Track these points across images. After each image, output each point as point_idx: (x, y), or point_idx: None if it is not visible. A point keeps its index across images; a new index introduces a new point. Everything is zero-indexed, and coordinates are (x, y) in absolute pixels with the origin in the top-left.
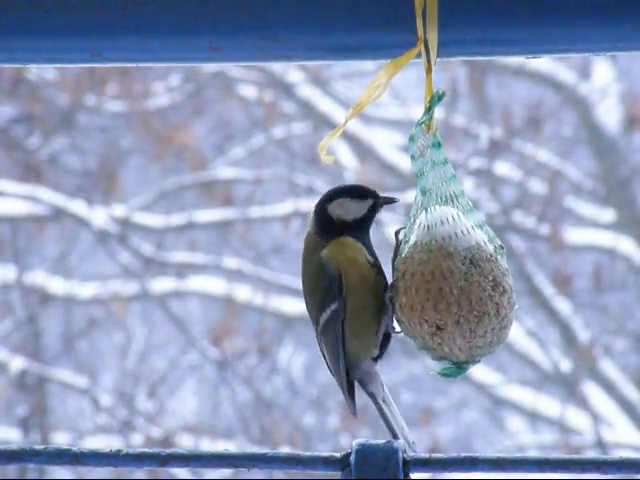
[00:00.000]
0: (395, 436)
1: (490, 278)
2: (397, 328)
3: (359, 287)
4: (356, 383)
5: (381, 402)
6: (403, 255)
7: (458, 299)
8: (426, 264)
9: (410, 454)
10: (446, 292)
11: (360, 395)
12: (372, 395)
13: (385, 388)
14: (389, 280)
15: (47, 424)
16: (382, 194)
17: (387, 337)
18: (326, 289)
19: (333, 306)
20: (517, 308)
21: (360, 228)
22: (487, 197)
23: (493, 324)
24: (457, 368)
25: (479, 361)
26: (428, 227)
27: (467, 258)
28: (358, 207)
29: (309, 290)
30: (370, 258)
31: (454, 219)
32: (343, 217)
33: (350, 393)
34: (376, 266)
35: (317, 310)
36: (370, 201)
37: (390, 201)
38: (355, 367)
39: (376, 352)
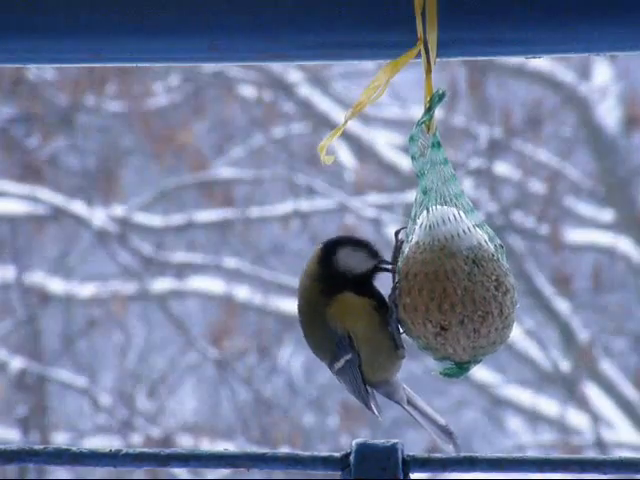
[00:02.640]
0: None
1: (493, 278)
2: (400, 328)
3: (370, 339)
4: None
5: (406, 407)
6: (405, 255)
7: (462, 299)
8: (429, 264)
9: (449, 445)
10: (450, 292)
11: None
12: (398, 403)
13: (405, 388)
14: (390, 280)
15: (47, 424)
16: (381, 257)
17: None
18: (336, 345)
19: (347, 356)
20: (518, 307)
21: (362, 283)
22: (487, 197)
23: (496, 324)
24: (459, 368)
25: (481, 361)
26: (430, 227)
27: (470, 258)
28: (365, 262)
29: (316, 343)
30: (375, 303)
31: (455, 219)
32: (351, 270)
33: (371, 406)
34: (382, 306)
35: (329, 359)
36: (374, 261)
37: (386, 269)
38: (379, 386)
39: (403, 360)
